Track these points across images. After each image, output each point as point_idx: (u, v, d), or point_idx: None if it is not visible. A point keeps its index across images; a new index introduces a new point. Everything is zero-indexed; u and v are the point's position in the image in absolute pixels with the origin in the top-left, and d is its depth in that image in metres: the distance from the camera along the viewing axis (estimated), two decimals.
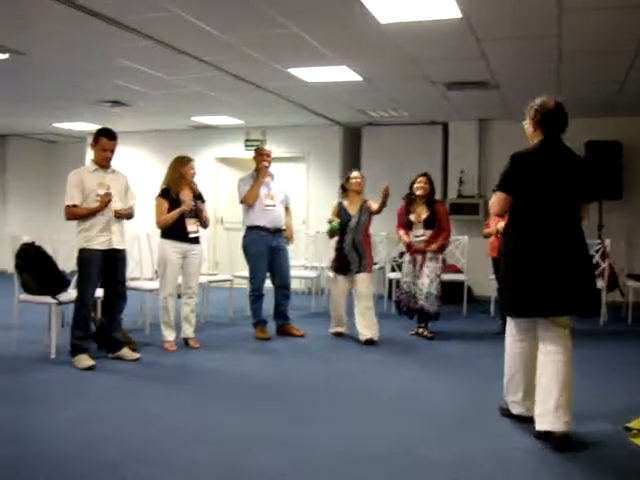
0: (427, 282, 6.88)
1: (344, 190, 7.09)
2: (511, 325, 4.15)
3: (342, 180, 7.42)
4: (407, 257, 7.16)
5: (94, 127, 11.26)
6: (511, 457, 3.73)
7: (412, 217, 7.01)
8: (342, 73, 7.05)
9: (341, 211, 6.90)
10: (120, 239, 5.77)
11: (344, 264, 6.83)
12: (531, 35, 5.69)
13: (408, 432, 4.13)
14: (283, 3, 4.97)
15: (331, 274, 7.05)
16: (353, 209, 6.88)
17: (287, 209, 7.22)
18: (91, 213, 5.58)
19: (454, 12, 5.03)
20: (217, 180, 11.62)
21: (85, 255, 5.60)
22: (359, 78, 7.28)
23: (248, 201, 6.87)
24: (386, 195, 6.57)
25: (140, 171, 10.78)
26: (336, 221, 6.81)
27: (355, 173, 7.07)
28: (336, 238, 6.90)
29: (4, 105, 9.70)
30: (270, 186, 6.99)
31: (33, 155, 13.81)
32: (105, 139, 5.68)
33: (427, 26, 5.39)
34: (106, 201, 5.57)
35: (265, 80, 7.57)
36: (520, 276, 3.91)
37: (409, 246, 7.05)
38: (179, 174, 6.35)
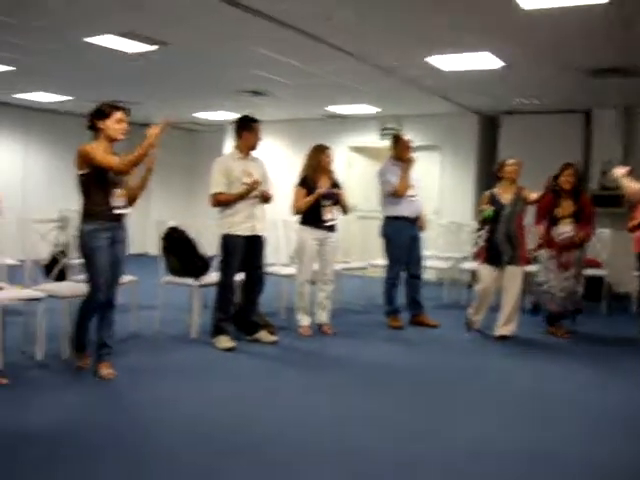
0: (572, 280, 6.59)
1: (497, 178, 6.72)
2: None
3: (495, 168, 6.97)
4: (546, 253, 6.71)
5: (232, 116, 11.62)
6: None
7: (558, 211, 6.59)
8: (483, 60, 6.89)
9: (493, 200, 6.52)
10: (262, 225, 5.92)
11: (495, 255, 6.49)
12: None
13: (552, 432, 4.03)
14: None
15: (479, 265, 6.72)
16: (506, 198, 6.51)
17: None
18: (237, 199, 5.74)
19: None
20: (349, 169, 11.67)
21: (229, 240, 5.78)
22: (500, 65, 7.07)
23: (401, 193, 6.78)
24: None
25: (276, 160, 10.99)
26: (490, 208, 6.43)
27: (512, 160, 6.68)
28: (486, 228, 6.57)
29: (148, 95, 10.13)
30: (411, 176, 6.96)
31: (174, 144, 14.35)
32: (254, 124, 5.89)
33: (572, 11, 5.17)
34: (254, 188, 5.72)
35: (403, 68, 7.52)
36: None
37: (551, 242, 6.64)
38: (316, 162, 6.42)
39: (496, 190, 6.62)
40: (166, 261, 6.22)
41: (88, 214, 4.64)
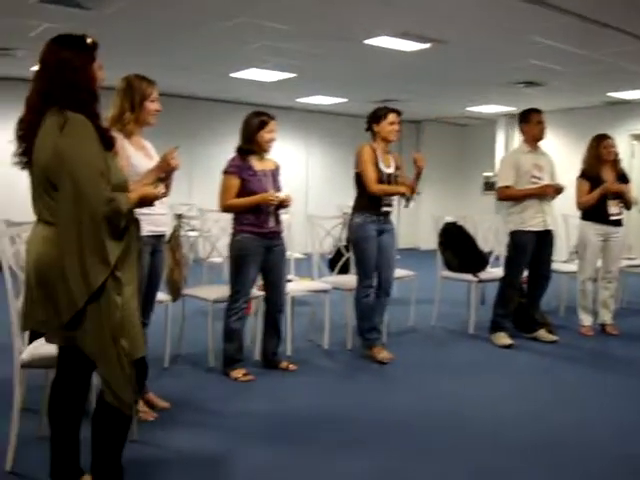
0: None
1: None
2: None
3: None
4: None
5: (503, 109, 11.48)
6: None
7: None
8: None
9: None
10: (552, 219, 5.76)
11: None
12: None
13: None
14: None
15: None
16: None
17: None
18: (526, 196, 5.64)
19: None
20: (632, 159, 10.91)
21: (519, 237, 5.67)
22: None
23: None
24: None
25: (551, 151, 10.56)
26: None
27: None
28: None
29: (418, 93, 10.28)
30: None
31: (446, 138, 14.46)
32: (537, 113, 5.81)
33: None
34: (548, 192, 5.61)
35: None
36: None
37: None
38: (595, 153, 6.10)
39: None
40: (443, 256, 6.28)
41: (359, 207, 5.07)
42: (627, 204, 6.13)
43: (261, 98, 10.78)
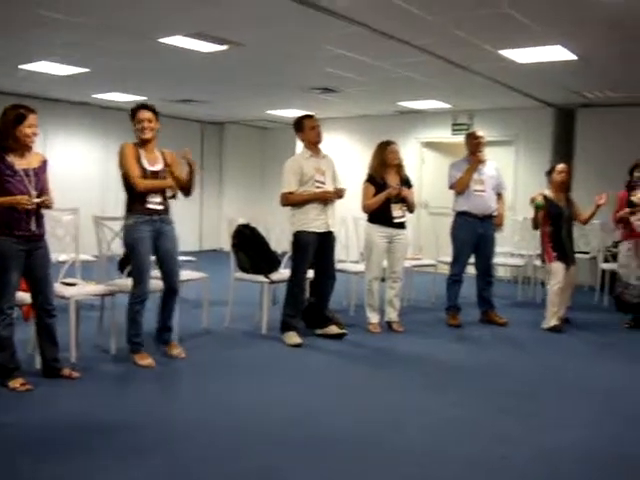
0: None
1: (549, 181, 6.83)
2: None
3: (549, 166, 7.11)
4: (625, 245, 6.77)
5: (303, 114, 11.68)
6: None
7: (634, 198, 6.64)
8: (556, 52, 6.72)
9: (548, 202, 6.60)
10: (333, 221, 5.97)
11: (564, 253, 6.61)
12: None
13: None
14: None
15: (552, 264, 6.61)
16: (560, 201, 6.68)
17: (500, 195, 7.02)
18: (308, 201, 5.79)
19: None
20: (422, 165, 11.57)
21: (302, 238, 5.82)
22: (573, 57, 6.90)
23: (458, 188, 6.76)
24: (599, 206, 6.55)
25: (346, 156, 10.97)
26: (541, 198, 6.58)
27: (560, 166, 6.80)
28: (548, 229, 6.64)
29: (219, 94, 10.28)
30: (482, 171, 6.83)
31: (248, 141, 14.55)
32: (309, 119, 5.98)
33: None
34: (326, 198, 5.81)
35: (474, 63, 7.39)
36: None
37: (629, 229, 6.69)
38: (380, 158, 6.39)
39: (548, 193, 6.71)
40: (236, 258, 6.30)
41: (130, 209, 4.97)
42: (410, 207, 6.47)
43: (56, 93, 10.28)
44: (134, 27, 6.35)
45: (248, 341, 5.99)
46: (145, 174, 4.88)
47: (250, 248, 6.24)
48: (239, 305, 6.52)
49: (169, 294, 5.19)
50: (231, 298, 6.36)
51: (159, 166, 4.99)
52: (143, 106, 4.97)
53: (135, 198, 4.91)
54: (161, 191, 5.00)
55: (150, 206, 4.92)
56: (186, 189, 5.14)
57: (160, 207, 4.99)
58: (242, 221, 6.42)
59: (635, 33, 5.92)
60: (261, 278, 6.17)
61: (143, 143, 4.95)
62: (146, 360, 4.99)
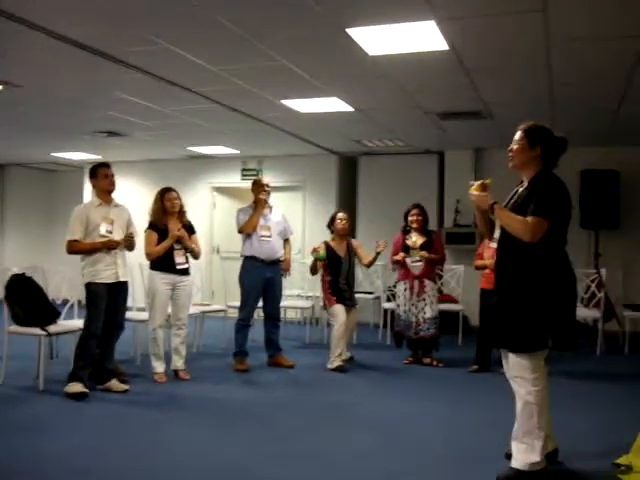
0: (428, 307, 7.02)
1: (331, 230, 7.27)
2: (532, 363, 3.68)
3: (334, 210, 7.47)
4: (402, 285, 7.18)
5: (91, 157, 11.35)
6: None
7: (409, 242, 7.11)
8: (334, 104, 7.07)
9: (329, 251, 7.05)
10: (124, 271, 5.85)
11: (342, 297, 7.03)
12: (520, 65, 5.68)
13: (393, 466, 4.07)
14: (271, 36, 4.99)
15: (333, 307, 6.96)
16: (341, 250, 7.15)
17: (287, 241, 7.20)
18: (93, 250, 5.63)
19: (441, 44, 5.04)
20: (213, 209, 11.62)
21: (93, 289, 5.63)
22: (350, 109, 7.30)
23: (246, 229, 6.84)
24: (379, 252, 6.95)
25: (134, 201, 10.71)
26: (323, 250, 6.98)
27: (341, 214, 7.25)
28: (328, 277, 7.07)
29: (2, 135, 9.73)
30: (267, 217, 6.97)
31: (32, 184, 13.86)
32: (103, 167, 5.86)
33: (416, 58, 5.40)
34: (111, 246, 5.68)
35: (258, 111, 7.60)
36: (558, 305, 3.72)
37: (405, 270, 7.12)
38: (159, 205, 6.36)
39: (330, 241, 7.19)
40: (10, 310, 5.92)
41: None
42: (194, 254, 6.45)
43: None
44: None
45: (26, 397, 5.60)
46: None
47: (24, 299, 5.89)
48: (17, 359, 6.13)
49: None
50: (5, 352, 5.96)
51: None
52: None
53: None
54: None
55: None
56: None
57: None
58: (16, 270, 6.07)
59: (399, 84, 6.34)
60: (37, 330, 5.83)
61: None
62: None
